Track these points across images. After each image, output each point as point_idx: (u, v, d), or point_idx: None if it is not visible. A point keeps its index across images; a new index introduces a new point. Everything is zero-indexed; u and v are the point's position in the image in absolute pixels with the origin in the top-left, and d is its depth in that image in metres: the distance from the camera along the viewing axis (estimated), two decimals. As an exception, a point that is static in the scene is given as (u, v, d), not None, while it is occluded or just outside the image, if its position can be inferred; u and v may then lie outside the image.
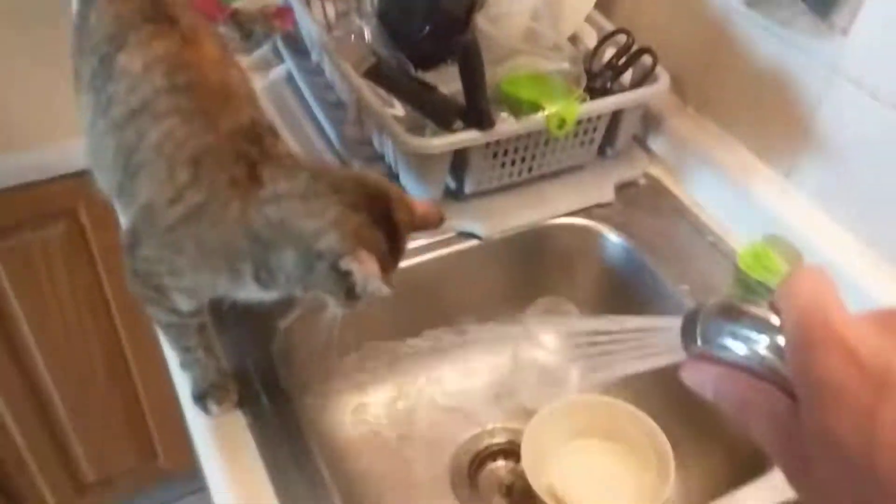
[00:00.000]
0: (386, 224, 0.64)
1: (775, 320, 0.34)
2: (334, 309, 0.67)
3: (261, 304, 0.78)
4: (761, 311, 0.35)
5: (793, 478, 0.32)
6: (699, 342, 0.37)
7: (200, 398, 0.77)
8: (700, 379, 0.37)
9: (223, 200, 0.64)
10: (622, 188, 1.04)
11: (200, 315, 0.75)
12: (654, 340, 0.41)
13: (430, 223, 0.69)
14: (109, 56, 0.70)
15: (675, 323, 0.40)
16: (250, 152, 0.65)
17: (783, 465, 0.32)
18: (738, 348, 0.35)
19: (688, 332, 0.38)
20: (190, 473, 1.57)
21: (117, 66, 0.69)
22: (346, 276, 0.62)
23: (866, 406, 0.29)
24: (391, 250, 0.64)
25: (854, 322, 0.31)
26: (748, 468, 0.78)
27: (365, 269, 0.61)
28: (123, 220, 0.72)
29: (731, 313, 0.36)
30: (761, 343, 0.34)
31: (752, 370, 0.35)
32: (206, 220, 0.64)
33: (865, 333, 0.31)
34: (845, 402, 0.30)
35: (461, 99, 0.87)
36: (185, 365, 0.78)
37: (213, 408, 0.77)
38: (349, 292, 0.64)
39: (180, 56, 0.68)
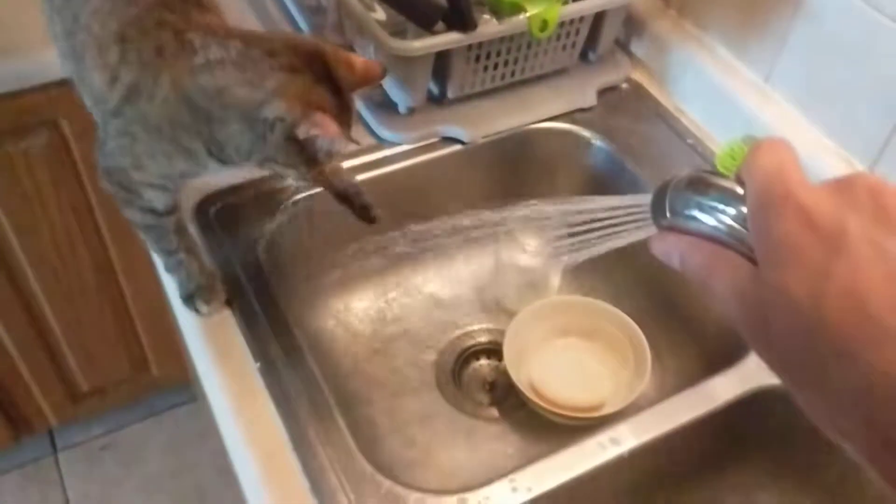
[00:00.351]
0: (328, 83, 0.63)
1: (740, 191, 0.36)
2: (295, 182, 0.67)
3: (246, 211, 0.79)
4: (727, 182, 0.37)
5: (752, 338, 0.34)
6: (668, 214, 0.39)
7: (188, 299, 0.79)
8: (667, 250, 0.38)
9: (154, 72, 0.62)
10: (604, 92, 1.04)
11: (175, 214, 0.75)
12: (628, 217, 0.43)
13: (371, 77, 0.67)
14: None
15: (647, 199, 0.41)
16: (175, 21, 0.63)
17: (743, 326, 0.34)
18: (704, 219, 0.37)
19: (657, 206, 0.39)
20: (182, 384, 1.61)
21: None
22: (304, 143, 0.61)
23: (819, 263, 0.31)
24: (339, 108, 0.64)
25: (812, 188, 0.33)
26: (720, 360, 0.81)
27: (325, 130, 0.60)
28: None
29: (699, 185, 0.38)
30: (727, 213, 0.36)
31: (717, 239, 0.36)
32: (144, 96, 0.63)
33: (821, 197, 0.32)
34: (800, 259, 0.31)
35: (443, 1, 0.87)
36: (169, 268, 0.79)
37: (203, 307, 0.79)
38: (310, 160, 0.63)
39: None
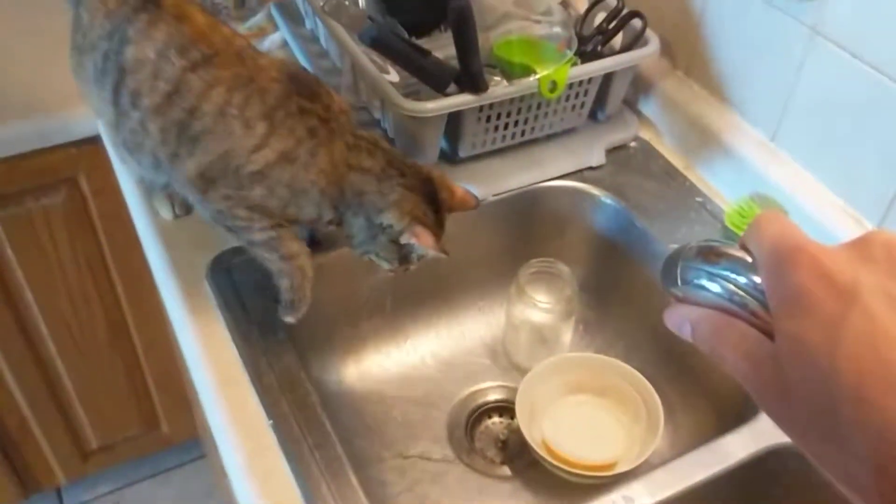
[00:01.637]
0: (433, 203, 0.79)
1: (747, 258, 0.37)
2: (385, 271, 0.83)
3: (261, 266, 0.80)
4: (737, 251, 0.38)
5: (764, 396, 0.34)
6: (679, 283, 0.39)
7: (289, 304, 0.83)
8: (679, 321, 0.39)
9: (310, 148, 0.76)
10: (613, 151, 1.06)
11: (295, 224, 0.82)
12: None
13: (467, 204, 0.84)
14: (114, 52, 0.76)
15: None
16: (316, 109, 0.77)
17: (755, 385, 0.35)
18: (714, 288, 0.37)
19: (668, 275, 0.40)
20: (191, 439, 1.61)
21: (128, 60, 0.75)
22: (402, 246, 0.79)
23: (834, 311, 0.31)
24: (437, 223, 0.80)
25: (823, 245, 0.34)
26: (733, 418, 0.81)
27: (422, 240, 0.77)
28: (179, 179, 0.79)
29: (709, 255, 0.38)
30: (737, 282, 0.36)
31: (727, 308, 0.37)
32: (299, 163, 0.76)
33: (835, 251, 0.33)
34: (815, 308, 0.32)
35: (455, 63, 0.89)
36: (282, 273, 0.82)
37: (293, 317, 0.83)
38: (402, 258, 0.81)
39: (182, 34, 0.75)
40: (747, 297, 0.36)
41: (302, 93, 0.77)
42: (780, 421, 0.35)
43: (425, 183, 0.79)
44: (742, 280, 0.37)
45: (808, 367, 0.32)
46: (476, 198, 0.85)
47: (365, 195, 0.78)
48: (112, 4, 0.77)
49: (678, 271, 0.39)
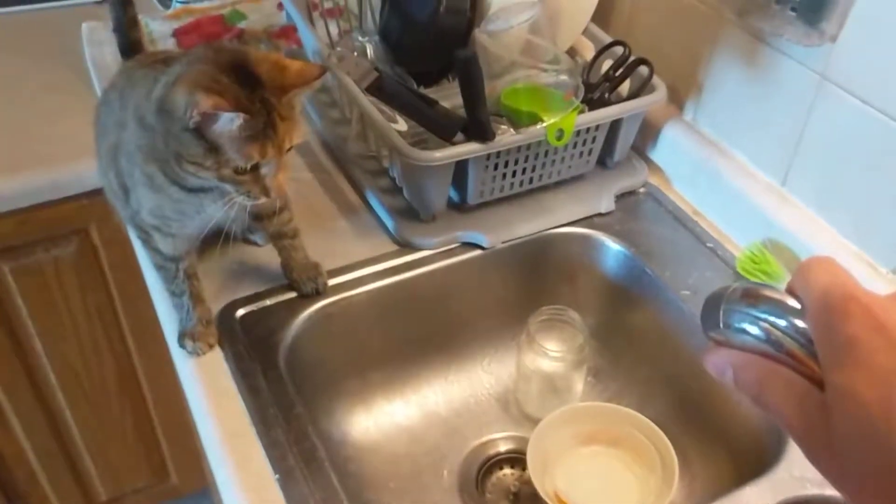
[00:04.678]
0: (245, 78, 0.66)
1: (794, 303, 0.35)
2: (237, 198, 0.70)
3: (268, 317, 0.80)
4: (782, 295, 0.36)
5: (811, 447, 0.33)
6: (721, 327, 0.38)
7: (182, 337, 0.85)
8: (720, 366, 0.37)
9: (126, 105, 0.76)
10: (622, 197, 1.05)
11: (182, 261, 0.83)
12: None
13: (306, 76, 0.69)
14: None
15: None
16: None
17: (801, 435, 0.33)
18: (758, 333, 0.36)
19: (709, 318, 0.38)
20: (202, 491, 1.59)
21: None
22: (202, 131, 0.65)
23: (889, 366, 0.30)
24: (262, 103, 0.66)
25: (876, 295, 0.33)
26: (751, 468, 0.79)
27: (208, 104, 0.62)
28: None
29: (753, 298, 0.37)
30: (781, 327, 0.35)
31: (771, 354, 0.35)
32: (128, 128, 0.74)
33: (888, 301, 0.32)
34: (869, 362, 0.31)
35: (462, 112, 0.90)
36: (173, 306, 0.86)
37: (190, 345, 0.84)
38: (213, 150, 0.66)
39: None
40: (794, 343, 0.35)
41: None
42: (830, 474, 0.33)
43: (223, 55, 0.67)
44: (788, 325, 0.35)
45: (862, 424, 0.30)
46: (320, 66, 0.71)
47: (157, 97, 0.68)
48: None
49: (720, 314, 0.38)
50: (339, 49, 1.09)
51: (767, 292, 0.37)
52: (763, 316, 0.36)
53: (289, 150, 0.70)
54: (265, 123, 0.66)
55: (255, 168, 0.69)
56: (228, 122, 0.64)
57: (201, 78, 0.64)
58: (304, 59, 1.16)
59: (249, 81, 0.66)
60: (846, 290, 0.33)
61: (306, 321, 0.89)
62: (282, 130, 0.67)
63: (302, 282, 0.90)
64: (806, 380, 0.34)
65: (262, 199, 0.71)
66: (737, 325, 0.37)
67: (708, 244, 0.99)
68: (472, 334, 1.05)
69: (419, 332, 1.00)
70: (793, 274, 0.36)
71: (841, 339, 0.32)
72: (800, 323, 0.35)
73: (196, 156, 0.67)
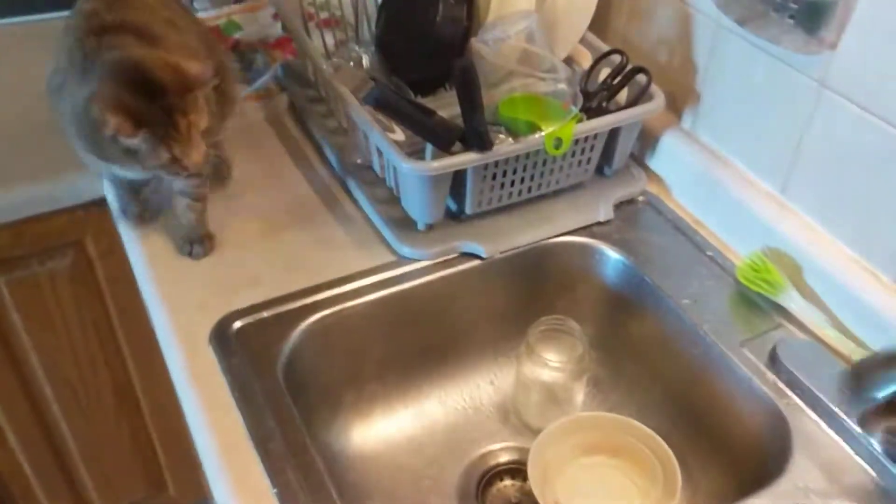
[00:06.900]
0: (149, 88, 0.77)
1: None
2: (163, 176, 0.86)
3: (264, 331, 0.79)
4: None
5: None
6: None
7: (121, 212, 1.00)
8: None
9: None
10: (621, 206, 1.05)
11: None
12: None
13: (204, 78, 0.80)
14: None
15: None
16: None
17: None
18: None
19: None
20: (199, 502, 1.58)
21: None
22: (135, 152, 0.79)
23: None
24: (163, 107, 0.77)
25: None
26: (754, 479, 0.79)
27: (111, 126, 0.75)
28: None
29: None
30: None
31: None
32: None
33: None
34: None
35: (460, 122, 0.89)
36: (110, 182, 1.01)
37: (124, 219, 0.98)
38: (133, 152, 0.79)
39: None
40: None
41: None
42: None
43: (135, 67, 0.78)
44: None
45: None
46: (208, 67, 0.81)
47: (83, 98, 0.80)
48: None
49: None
50: (335, 59, 1.09)
51: None
52: None
53: (204, 131, 0.81)
54: (167, 127, 0.78)
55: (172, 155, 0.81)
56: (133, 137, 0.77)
57: (109, 99, 0.76)
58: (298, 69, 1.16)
59: (152, 89, 0.77)
60: None
61: (304, 333, 0.88)
62: (184, 126, 0.79)
63: (182, 243, 0.96)
64: None
65: (184, 175, 0.85)
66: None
67: (708, 253, 0.99)
68: (471, 345, 1.04)
69: (418, 342, 1.00)
70: None
71: None
72: None
73: (120, 158, 0.82)
